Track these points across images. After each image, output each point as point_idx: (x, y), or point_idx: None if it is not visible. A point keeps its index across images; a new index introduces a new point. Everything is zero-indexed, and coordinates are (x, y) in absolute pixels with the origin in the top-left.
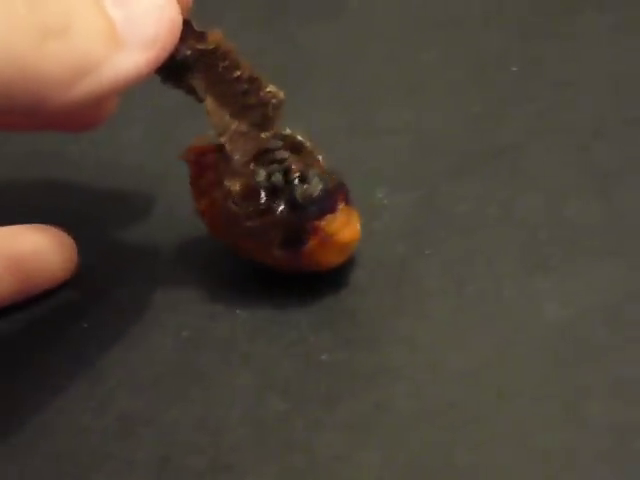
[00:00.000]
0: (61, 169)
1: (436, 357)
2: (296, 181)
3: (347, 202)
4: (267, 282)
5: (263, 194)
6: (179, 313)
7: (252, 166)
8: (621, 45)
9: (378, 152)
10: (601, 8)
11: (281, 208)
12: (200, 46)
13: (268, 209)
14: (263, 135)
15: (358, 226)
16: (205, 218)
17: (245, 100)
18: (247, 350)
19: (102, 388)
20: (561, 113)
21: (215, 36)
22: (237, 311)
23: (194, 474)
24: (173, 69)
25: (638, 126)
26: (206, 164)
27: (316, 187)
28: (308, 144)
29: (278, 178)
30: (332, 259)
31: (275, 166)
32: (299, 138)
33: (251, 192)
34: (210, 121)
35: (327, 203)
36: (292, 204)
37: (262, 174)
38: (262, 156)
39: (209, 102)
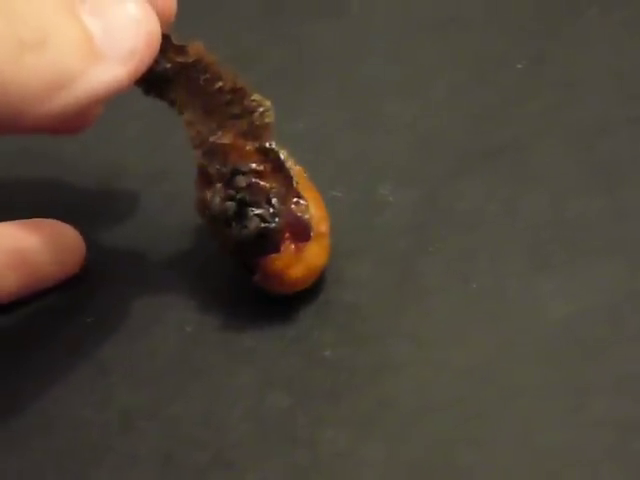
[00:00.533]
0: (62, 167)
1: (439, 354)
2: (252, 212)
3: (301, 238)
4: None
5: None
6: (182, 309)
7: (215, 189)
8: (626, 43)
9: (382, 149)
10: (606, 6)
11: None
12: (180, 59)
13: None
14: (249, 147)
15: (320, 260)
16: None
17: (229, 110)
18: (250, 346)
19: (104, 382)
20: (565, 111)
21: (195, 49)
22: (240, 307)
23: (196, 470)
24: (153, 82)
25: None
26: None
27: (252, 228)
28: (288, 164)
29: (232, 208)
30: (285, 290)
31: (233, 193)
32: (281, 157)
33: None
34: (188, 134)
35: (267, 243)
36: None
37: (216, 201)
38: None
39: (187, 115)
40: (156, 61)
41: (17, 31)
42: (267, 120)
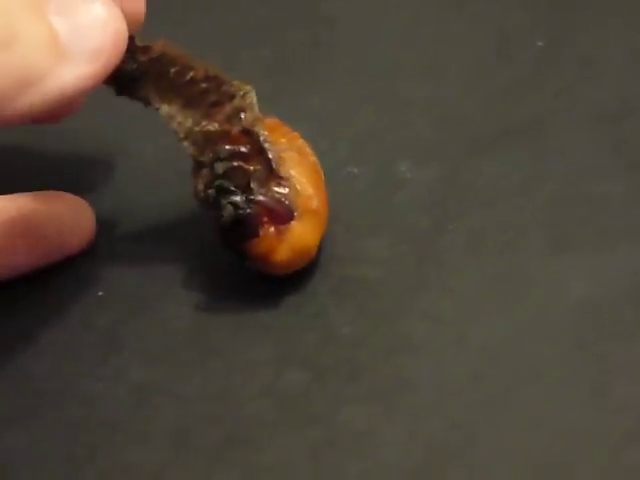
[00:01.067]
0: (70, 144)
1: (458, 332)
2: (225, 200)
3: (281, 220)
4: None
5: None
6: (195, 285)
7: (200, 176)
8: None
9: (399, 126)
10: None
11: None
12: (144, 58)
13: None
14: (234, 130)
15: (307, 239)
16: None
17: (208, 99)
18: (267, 322)
19: (116, 357)
20: (585, 90)
21: (159, 46)
22: (255, 283)
23: (211, 447)
24: (123, 82)
25: None
26: None
27: (227, 216)
28: (268, 147)
29: (212, 196)
30: (278, 272)
31: (212, 180)
32: (260, 139)
33: None
34: (170, 128)
35: (245, 229)
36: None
37: (200, 188)
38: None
39: (164, 110)
40: (123, 61)
41: None
42: (249, 101)
